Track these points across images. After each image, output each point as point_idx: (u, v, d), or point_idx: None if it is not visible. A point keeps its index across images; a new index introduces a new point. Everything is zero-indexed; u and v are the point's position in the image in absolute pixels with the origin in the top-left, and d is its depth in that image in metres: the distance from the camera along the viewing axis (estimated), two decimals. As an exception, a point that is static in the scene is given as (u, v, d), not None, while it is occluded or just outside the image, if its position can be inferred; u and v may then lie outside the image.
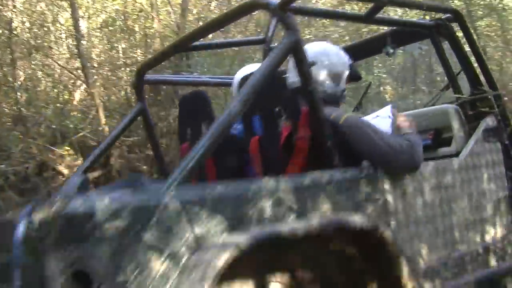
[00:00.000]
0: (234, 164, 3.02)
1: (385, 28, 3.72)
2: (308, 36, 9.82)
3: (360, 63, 7.40)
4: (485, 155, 3.12)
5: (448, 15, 3.30)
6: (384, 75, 13.73)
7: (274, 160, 2.49)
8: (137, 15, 9.71)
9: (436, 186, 2.73)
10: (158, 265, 1.73)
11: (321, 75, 2.75)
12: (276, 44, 2.67)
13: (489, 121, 3.22)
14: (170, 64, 7.72)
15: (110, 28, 9.91)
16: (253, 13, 4.13)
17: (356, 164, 2.41)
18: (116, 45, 9.65)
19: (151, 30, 9.21)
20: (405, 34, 3.39)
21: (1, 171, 7.03)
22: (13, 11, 8.52)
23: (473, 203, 2.93)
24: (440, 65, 3.65)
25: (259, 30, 9.06)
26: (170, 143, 7.82)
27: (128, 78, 8.54)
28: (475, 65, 3.44)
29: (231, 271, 1.76)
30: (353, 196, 2.31)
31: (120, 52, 9.55)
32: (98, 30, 10.21)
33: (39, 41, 9.00)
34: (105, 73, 9.24)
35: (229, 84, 3.83)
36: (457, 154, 3.07)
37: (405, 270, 2.19)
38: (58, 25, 9.69)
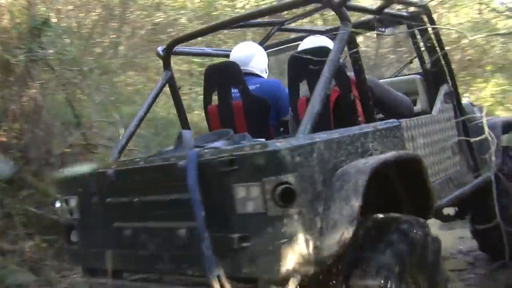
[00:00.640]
0: (262, 120, 4.13)
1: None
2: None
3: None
4: (445, 112, 4.38)
5: (419, 9, 4.42)
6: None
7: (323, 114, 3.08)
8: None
9: (426, 133, 3.86)
10: (320, 184, 2.59)
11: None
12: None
13: (446, 88, 4.50)
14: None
15: None
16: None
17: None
18: None
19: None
20: (391, 19, 4.30)
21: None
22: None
23: (443, 145, 4.13)
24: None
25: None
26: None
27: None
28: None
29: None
30: (391, 139, 3.25)
31: None
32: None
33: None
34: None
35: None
36: (422, 112, 4.40)
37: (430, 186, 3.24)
38: None
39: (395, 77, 5.48)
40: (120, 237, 3.12)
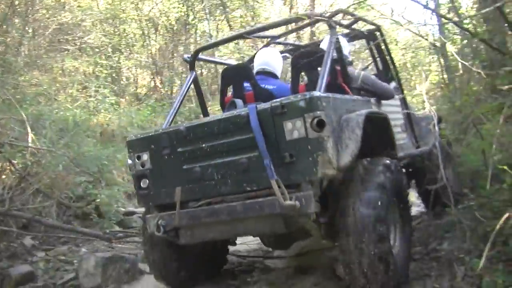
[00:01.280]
0: None
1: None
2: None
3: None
4: (395, 100, 5.76)
5: (374, 27, 5.98)
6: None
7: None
8: None
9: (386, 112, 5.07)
10: (336, 122, 4.06)
11: (345, 51, 5.24)
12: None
13: (394, 84, 5.92)
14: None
15: None
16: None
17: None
18: None
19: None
20: (355, 35, 6.01)
21: None
22: None
23: (395, 123, 5.37)
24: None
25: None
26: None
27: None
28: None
29: None
30: (367, 107, 4.77)
31: None
32: None
33: None
34: None
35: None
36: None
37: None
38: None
39: None
40: (189, 175, 4.39)
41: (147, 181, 4.65)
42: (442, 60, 13.45)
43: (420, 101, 15.41)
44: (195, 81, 5.81)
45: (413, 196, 7.08)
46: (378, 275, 3.96)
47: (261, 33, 6.17)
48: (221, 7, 16.73)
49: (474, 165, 6.21)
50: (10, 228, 6.75)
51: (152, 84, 14.21)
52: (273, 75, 5.46)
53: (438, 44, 13.24)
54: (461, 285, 4.13)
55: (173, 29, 14.73)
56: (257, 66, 5.51)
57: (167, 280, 5.15)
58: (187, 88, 5.68)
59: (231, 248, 5.69)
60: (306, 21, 5.52)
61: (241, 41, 16.52)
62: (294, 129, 3.94)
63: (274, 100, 4.04)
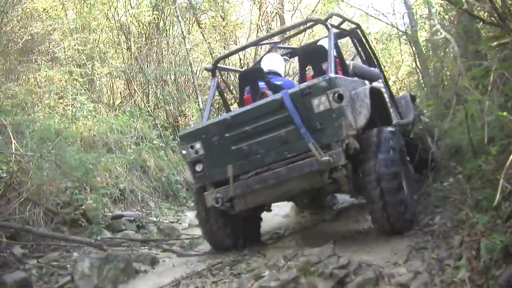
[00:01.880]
0: None
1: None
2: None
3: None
4: (381, 83, 7.20)
5: (355, 26, 7.37)
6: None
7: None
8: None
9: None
10: (349, 96, 5.39)
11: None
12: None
13: (377, 70, 7.41)
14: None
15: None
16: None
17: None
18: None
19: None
20: (339, 34, 7.10)
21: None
22: None
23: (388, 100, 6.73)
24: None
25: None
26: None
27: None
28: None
29: None
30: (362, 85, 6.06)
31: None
32: None
33: None
34: None
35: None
36: None
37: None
38: None
39: None
40: (238, 154, 5.63)
41: (201, 165, 5.85)
42: (413, 48, 13.79)
43: (394, 90, 15.76)
44: (218, 85, 6.97)
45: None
46: (399, 215, 5.31)
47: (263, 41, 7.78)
48: (191, 10, 16.77)
49: (458, 140, 6.35)
50: (-1, 239, 6.65)
51: (128, 90, 14.12)
52: (278, 74, 6.84)
53: (409, 32, 13.56)
54: (460, 251, 4.21)
55: (145, 34, 14.68)
56: (265, 68, 6.79)
57: (220, 244, 6.35)
58: (213, 91, 6.89)
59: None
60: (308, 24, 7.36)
61: (213, 43, 16.61)
62: (320, 103, 5.23)
63: (301, 85, 5.47)
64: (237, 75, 7.95)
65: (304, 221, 7.79)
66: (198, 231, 8.09)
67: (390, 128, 5.66)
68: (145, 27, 14.69)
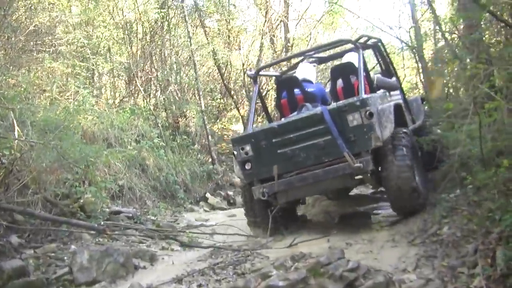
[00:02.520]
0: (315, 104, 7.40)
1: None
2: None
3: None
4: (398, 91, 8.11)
5: (376, 40, 8.29)
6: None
7: (350, 95, 7.07)
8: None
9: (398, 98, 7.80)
10: (377, 112, 6.45)
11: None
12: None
13: (395, 79, 8.15)
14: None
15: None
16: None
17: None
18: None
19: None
20: (363, 46, 7.79)
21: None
22: None
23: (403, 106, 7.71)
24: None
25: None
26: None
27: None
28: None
29: None
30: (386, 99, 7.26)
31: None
32: None
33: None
34: None
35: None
36: None
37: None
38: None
39: None
40: (282, 157, 6.72)
41: (250, 164, 6.95)
42: (419, 63, 13.74)
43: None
44: (259, 92, 8.22)
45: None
46: (414, 200, 6.49)
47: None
48: (197, 12, 16.70)
49: (469, 150, 6.28)
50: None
51: (131, 87, 14.01)
52: (310, 81, 7.85)
53: (414, 45, 13.52)
54: (474, 259, 4.13)
55: (150, 32, 14.59)
56: (300, 76, 7.82)
57: (263, 228, 7.21)
58: (255, 97, 8.09)
59: (233, 243, 7.12)
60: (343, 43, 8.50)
61: (216, 47, 16.52)
62: (354, 119, 6.33)
63: (339, 102, 6.71)
64: (274, 80, 9.73)
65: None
66: (197, 230, 8.01)
67: (403, 129, 6.81)
68: (150, 25, 14.59)
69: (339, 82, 7.66)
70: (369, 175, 6.47)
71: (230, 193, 12.71)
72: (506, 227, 4.17)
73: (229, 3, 18.00)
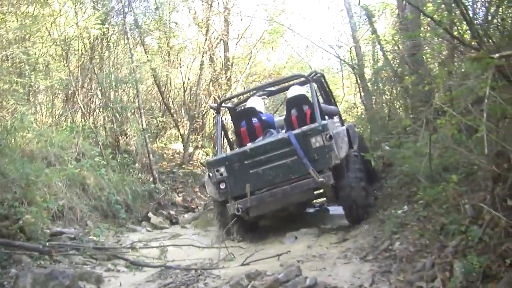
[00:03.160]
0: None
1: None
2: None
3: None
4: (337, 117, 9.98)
5: (319, 74, 9.93)
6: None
7: (303, 123, 8.47)
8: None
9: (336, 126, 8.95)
10: (333, 135, 7.76)
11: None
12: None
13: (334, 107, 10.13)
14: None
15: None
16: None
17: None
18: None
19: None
20: (303, 81, 9.67)
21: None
22: None
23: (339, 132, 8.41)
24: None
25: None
26: None
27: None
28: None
29: None
30: (333, 125, 8.54)
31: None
32: None
33: None
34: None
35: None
36: None
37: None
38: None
39: None
40: (254, 176, 7.76)
41: (225, 184, 7.95)
42: (359, 82, 14.06)
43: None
44: (222, 123, 9.44)
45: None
46: (364, 204, 7.90)
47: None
48: (137, 29, 16.50)
49: (413, 170, 6.45)
50: None
51: (69, 104, 13.64)
52: (261, 112, 9.28)
53: (356, 66, 13.85)
54: (432, 272, 4.20)
55: (91, 49, 14.29)
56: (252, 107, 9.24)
57: (233, 237, 8.42)
58: (220, 126, 9.13)
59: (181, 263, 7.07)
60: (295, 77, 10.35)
61: (156, 64, 16.35)
62: (316, 141, 7.54)
63: (303, 127, 7.83)
64: (230, 112, 10.67)
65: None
66: (143, 251, 7.83)
67: (354, 151, 8.38)
68: (90, 42, 14.28)
69: (293, 111, 8.80)
70: (329, 189, 7.74)
71: (172, 212, 12.55)
72: (460, 240, 4.27)
73: (170, 21, 17.94)
